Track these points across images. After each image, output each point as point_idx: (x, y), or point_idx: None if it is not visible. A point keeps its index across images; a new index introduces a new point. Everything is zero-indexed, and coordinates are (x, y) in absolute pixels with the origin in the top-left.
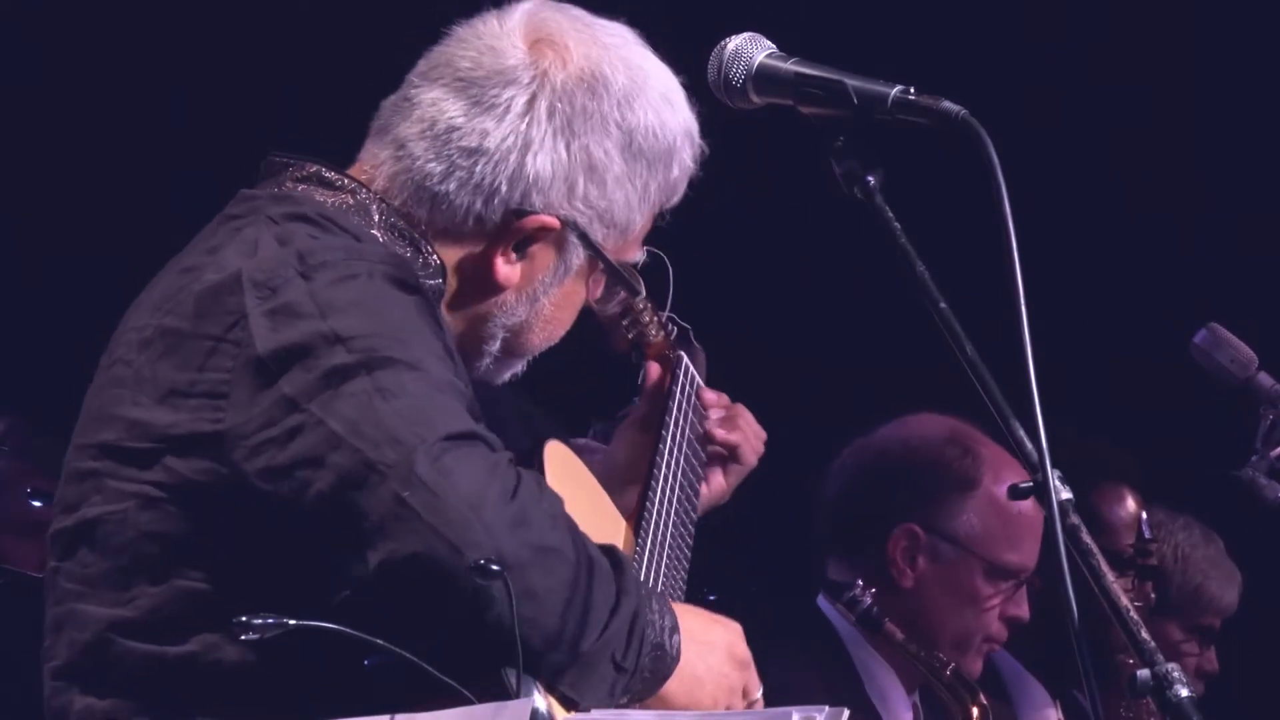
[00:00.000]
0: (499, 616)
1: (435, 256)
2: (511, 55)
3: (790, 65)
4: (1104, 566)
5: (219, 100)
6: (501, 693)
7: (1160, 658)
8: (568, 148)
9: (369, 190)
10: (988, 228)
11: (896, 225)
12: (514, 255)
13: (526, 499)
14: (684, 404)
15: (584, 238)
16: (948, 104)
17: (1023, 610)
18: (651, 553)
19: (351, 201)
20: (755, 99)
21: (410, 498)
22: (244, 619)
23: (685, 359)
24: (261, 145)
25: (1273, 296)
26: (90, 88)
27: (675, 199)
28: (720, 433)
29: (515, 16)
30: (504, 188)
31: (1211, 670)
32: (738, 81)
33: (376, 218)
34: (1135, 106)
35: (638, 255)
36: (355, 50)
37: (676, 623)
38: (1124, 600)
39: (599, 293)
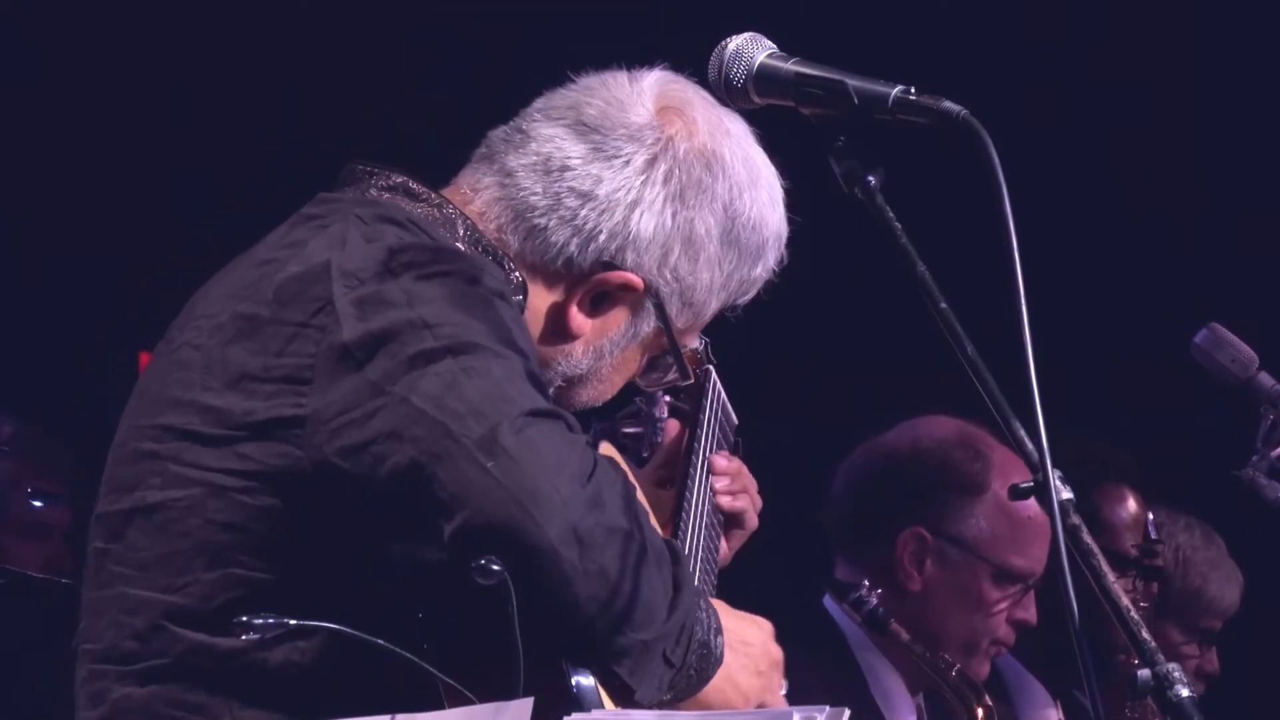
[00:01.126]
0: (572, 597)
1: (518, 274)
2: (639, 114)
3: (791, 65)
4: (1105, 567)
5: (219, 100)
6: (553, 682)
7: (1161, 658)
8: (674, 215)
9: (454, 207)
10: (988, 228)
11: (897, 225)
12: (588, 308)
13: (602, 480)
14: (713, 419)
15: (659, 308)
16: (948, 104)
17: (1030, 614)
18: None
19: (438, 215)
20: (756, 99)
21: (493, 466)
22: (244, 619)
23: (713, 373)
24: (261, 145)
25: (1273, 296)
26: (90, 88)
27: (746, 299)
28: (726, 500)
29: (648, 80)
30: (603, 236)
31: (1212, 671)
32: (738, 81)
33: (461, 232)
34: (1135, 106)
35: (695, 343)
36: (355, 51)
37: (720, 624)
38: (1124, 600)
39: (642, 368)
